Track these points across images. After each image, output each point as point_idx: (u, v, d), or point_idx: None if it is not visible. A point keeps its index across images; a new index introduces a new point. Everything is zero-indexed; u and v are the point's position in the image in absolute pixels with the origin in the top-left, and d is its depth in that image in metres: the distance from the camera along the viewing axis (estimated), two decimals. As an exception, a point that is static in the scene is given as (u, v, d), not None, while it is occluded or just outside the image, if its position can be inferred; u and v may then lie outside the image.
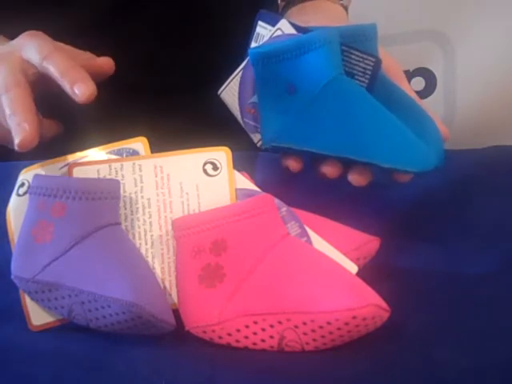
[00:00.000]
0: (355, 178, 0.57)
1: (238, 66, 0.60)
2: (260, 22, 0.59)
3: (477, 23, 1.34)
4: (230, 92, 0.60)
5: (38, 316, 0.52)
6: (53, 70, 0.54)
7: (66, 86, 0.53)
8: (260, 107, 0.58)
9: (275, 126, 0.57)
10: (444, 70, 1.37)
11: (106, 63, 0.59)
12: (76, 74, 0.54)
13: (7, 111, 0.52)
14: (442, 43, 1.36)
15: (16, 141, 0.50)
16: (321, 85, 0.55)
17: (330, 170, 0.57)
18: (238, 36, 0.64)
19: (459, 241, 0.60)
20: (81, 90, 0.52)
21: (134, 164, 0.53)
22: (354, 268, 0.51)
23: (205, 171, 0.53)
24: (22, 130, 0.50)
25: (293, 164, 0.58)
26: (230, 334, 0.48)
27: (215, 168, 0.53)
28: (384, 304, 0.46)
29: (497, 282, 0.54)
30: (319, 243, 0.52)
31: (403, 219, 0.63)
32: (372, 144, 0.54)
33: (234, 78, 0.60)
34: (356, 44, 0.58)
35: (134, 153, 0.54)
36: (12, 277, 0.51)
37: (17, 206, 0.53)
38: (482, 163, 0.70)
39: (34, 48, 0.56)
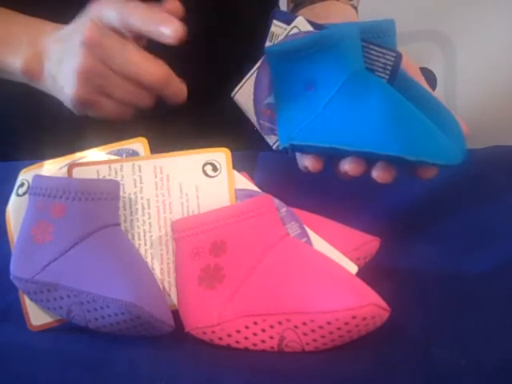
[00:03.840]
0: (380, 175, 0.54)
1: (246, 67, 0.59)
2: (275, 21, 0.58)
3: (477, 23, 1.34)
4: (245, 93, 0.59)
5: (38, 316, 0.52)
6: (136, 22, 0.55)
7: (152, 31, 0.54)
8: (277, 106, 0.57)
9: (294, 124, 0.56)
10: (444, 70, 1.37)
11: (173, 7, 0.57)
12: (160, 17, 0.54)
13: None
14: (442, 43, 1.36)
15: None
16: (342, 80, 0.54)
17: (353, 168, 0.54)
18: (245, 38, 0.63)
19: (459, 241, 0.60)
20: (169, 29, 0.53)
21: (133, 165, 0.53)
22: (353, 268, 0.51)
23: (204, 172, 0.53)
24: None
25: (313, 163, 0.56)
26: (229, 335, 0.48)
27: (215, 169, 0.53)
28: (384, 304, 0.46)
29: (497, 282, 0.54)
30: (319, 243, 0.52)
31: (403, 219, 0.63)
32: (397, 137, 0.52)
33: (248, 79, 0.59)
34: (374, 40, 0.56)
35: (134, 153, 0.54)
36: (11, 277, 0.51)
37: (16, 206, 0.53)
38: (482, 163, 0.69)
39: (111, 13, 0.56)
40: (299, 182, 0.64)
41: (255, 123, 0.59)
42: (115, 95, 0.59)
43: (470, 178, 0.67)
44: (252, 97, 0.59)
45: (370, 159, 0.55)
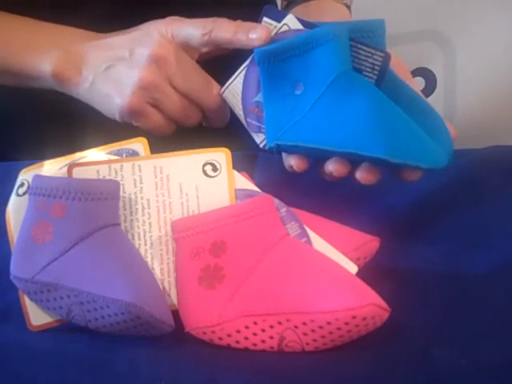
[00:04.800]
0: (364, 176, 0.54)
1: (240, 64, 0.59)
2: (265, 19, 0.58)
3: (477, 23, 1.34)
4: (233, 91, 0.59)
5: (38, 316, 0.52)
6: (225, 34, 0.59)
7: (241, 39, 0.58)
8: (265, 106, 0.57)
9: (282, 124, 0.56)
10: (444, 70, 1.37)
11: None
12: (247, 25, 0.59)
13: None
14: (442, 43, 1.36)
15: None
16: (329, 80, 0.54)
17: (337, 168, 0.54)
18: None
19: (459, 241, 0.60)
20: (257, 33, 0.57)
21: (133, 165, 0.53)
22: (353, 268, 0.51)
23: (204, 172, 0.53)
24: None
25: (298, 162, 0.56)
26: (229, 335, 0.48)
27: (215, 169, 0.53)
28: (384, 303, 0.46)
29: (497, 282, 0.54)
30: (319, 243, 0.52)
31: (403, 219, 0.63)
32: (381, 139, 0.52)
33: (237, 77, 0.59)
34: (364, 39, 0.56)
35: (134, 153, 0.54)
36: (11, 277, 0.51)
37: (16, 206, 0.53)
38: (482, 163, 0.70)
39: (191, 30, 0.60)
40: (299, 182, 0.64)
41: (243, 121, 0.59)
42: (167, 110, 0.61)
43: (470, 177, 0.67)
44: (240, 94, 0.59)
45: (354, 160, 0.55)
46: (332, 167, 0.55)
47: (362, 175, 0.55)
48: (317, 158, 0.57)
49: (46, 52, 0.64)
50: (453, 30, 1.35)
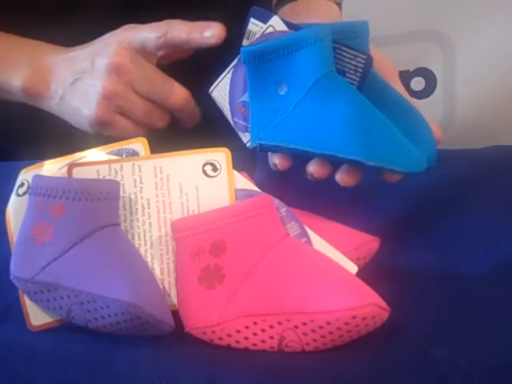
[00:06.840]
0: (343, 178, 0.55)
1: (222, 65, 0.60)
2: (252, 19, 0.59)
3: (477, 23, 1.34)
4: (221, 91, 0.60)
5: (38, 316, 0.52)
6: (181, 34, 0.60)
7: (196, 38, 0.59)
8: (251, 105, 0.58)
9: (264, 124, 0.57)
10: (444, 70, 1.37)
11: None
12: (201, 24, 0.59)
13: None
14: (441, 43, 1.36)
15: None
16: (311, 82, 0.55)
17: (317, 170, 0.55)
18: (231, 34, 0.64)
19: (459, 241, 0.60)
20: (211, 31, 0.58)
21: (133, 165, 0.53)
22: (353, 268, 0.51)
23: (204, 172, 0.53)
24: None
25: (281, 161, 0.57)
26: (229, 335, 0.48)
27: (215, 169, 0.53)
28: (384, 303, 0.46)
29: (496, 282, 0.54)
30: (319, 243, 0.52)
31: (403, 219, 0.63)
32: (358, 141, 0.53)
33: (224, 77, 0.60)
34: (347, 41, 0.57)
35: (134, 153, 0.54)
36: (11, 277, 0.51)
37: (16, 206, 0.53)
38: (482, 163, 0.70)
39: (146, 34, 0.61)
40: (299, 182, 0.64)
41: (230, 120, 0.60)
42: (134, 116, 0.62)
43: (470, 177, 0.68)
44: (228, 94, 0.60)
45: (334, 162, 0.55)
46: (312, 168, 0.56)
47: (341, 177, 0.55)
48: (299, 158, 0.58)
49: (15, 66, 0.65)
50: (453, 29, 1.35)
